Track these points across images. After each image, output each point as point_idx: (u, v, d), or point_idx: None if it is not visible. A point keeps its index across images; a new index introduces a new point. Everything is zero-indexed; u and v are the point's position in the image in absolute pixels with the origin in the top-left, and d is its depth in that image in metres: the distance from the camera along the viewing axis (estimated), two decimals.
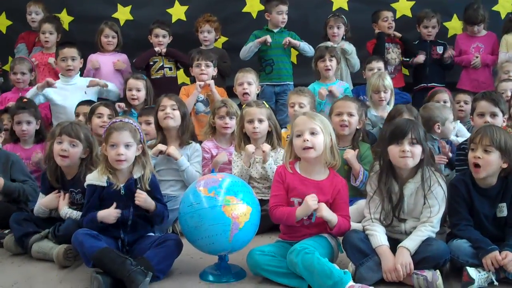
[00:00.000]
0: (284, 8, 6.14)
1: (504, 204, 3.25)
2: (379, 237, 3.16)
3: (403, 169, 3.23)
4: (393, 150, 3.19)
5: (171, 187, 4.28)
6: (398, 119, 3.71)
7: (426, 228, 3.15)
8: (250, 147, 4.30)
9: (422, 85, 6.27)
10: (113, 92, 5.86)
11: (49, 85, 5.48)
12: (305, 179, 3.26)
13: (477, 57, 6.14)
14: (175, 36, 6.32)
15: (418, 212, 3.23)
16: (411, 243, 3.11)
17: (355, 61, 6.12)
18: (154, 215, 3.43)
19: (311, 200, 3.13)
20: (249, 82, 5.37)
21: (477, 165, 3.21)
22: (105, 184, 3.37)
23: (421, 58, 6.25)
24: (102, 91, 5.77)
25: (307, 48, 6.10)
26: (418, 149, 3.17)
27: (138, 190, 3.37)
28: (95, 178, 3.41)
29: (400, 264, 3.04)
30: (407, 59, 6.36)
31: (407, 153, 3.14)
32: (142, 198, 3.36)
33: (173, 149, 4.23)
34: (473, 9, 6.14)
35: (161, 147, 4.23)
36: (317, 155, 3.23)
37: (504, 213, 3.25)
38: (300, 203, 3.20)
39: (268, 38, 6.04)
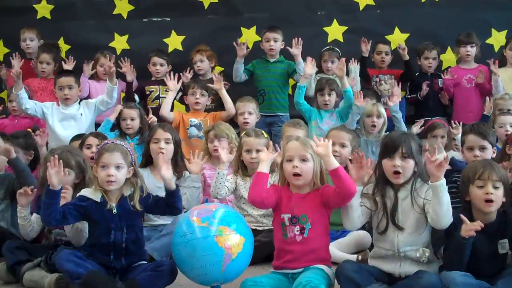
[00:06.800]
0: (270, 35, 6.19)
1: (506, 240, 3.20)
2: None
3: None
4: (386, 164, 3.21)
5: (159, 219, 4.21)
6: (392, 132, 3.69)
7: None
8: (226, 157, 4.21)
9: (426, 118, 6.12)
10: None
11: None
12: (293, 194, 3.27)
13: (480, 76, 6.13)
14: (172, 66, 6.34)
15: (411, 225, 3.18)
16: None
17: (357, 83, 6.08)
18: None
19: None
20: (249, 112, 5.49)
21: (489, 200, 3.15)
22: (98, 200, 3.35)
23: (424, 88, 6.25)
24: (100, 110, 5.67)
25: None
26: (409, 163, 3.18)
27: None
28: (89, 192, 3.40)
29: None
30: (413, 95, 6.38)
31: (398, 168, 3.16)
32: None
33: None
34: (466, 32, 6.23)
35: None
36: (305, 182, 3.26)
37: (506, 249, 3.20)
38: (289, 219, 3.21)
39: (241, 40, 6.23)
